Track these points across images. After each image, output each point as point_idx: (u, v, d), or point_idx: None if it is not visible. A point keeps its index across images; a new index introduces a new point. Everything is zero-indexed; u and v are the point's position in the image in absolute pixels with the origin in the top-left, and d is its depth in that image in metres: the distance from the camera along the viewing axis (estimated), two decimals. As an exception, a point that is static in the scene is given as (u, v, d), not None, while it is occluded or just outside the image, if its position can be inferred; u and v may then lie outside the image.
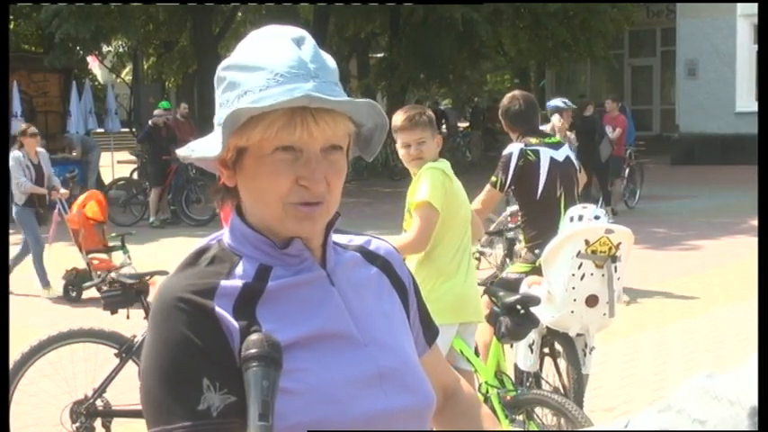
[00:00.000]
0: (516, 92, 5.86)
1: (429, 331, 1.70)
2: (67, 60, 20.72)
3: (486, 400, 4.39)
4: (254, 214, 1.49)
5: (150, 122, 15.99)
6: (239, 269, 1.47)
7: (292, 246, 1.48)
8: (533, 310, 4.28)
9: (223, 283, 1.44)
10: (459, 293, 4.40)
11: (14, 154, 10.49)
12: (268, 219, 1.47)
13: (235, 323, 1.40)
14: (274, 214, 1.46)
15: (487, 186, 5.32)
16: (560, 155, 5.44)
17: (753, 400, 0.98)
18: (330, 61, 1.49)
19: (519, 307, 4.17)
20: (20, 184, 10.41)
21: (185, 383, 1.36)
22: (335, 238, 1.59)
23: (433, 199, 4.27)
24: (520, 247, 5.71)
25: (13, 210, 10.84)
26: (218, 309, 1.41)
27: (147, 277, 5.14)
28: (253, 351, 1.26)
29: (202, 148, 1.47)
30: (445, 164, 4.46)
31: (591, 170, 14.97)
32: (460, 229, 4.42)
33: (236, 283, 1.44)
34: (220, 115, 1.45)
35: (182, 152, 1.51)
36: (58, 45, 20.03)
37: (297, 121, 1.40)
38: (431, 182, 4.30)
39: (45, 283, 10.35)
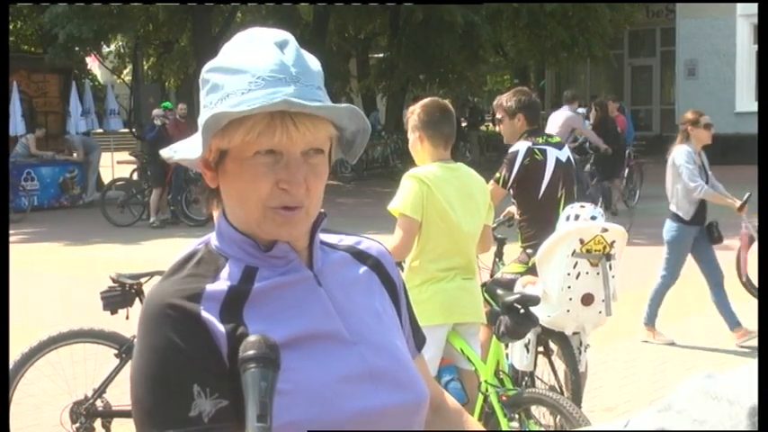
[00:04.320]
0: (524, 89, 5.83)
1: (417, 336, 1.71)
2: (67, 58, 20.72)
3: (486, 399, 4.39)
4: (236, 216, 1.50)
5: (159, 122, 16.01)
6: (225, 271, 1.48)
7: (276, 248, 1.49)
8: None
9: (209, 287, 1.45)
10: (450, 295, 4.41)
11: (684, 148, 7.61)
12: (248, 221, 1.48)
13: (221, 327, 1.41)
14: (254, 217, 1.47)
15: (491, 183, 5.30)
16: (563, 155, 5.43)
17: (752, 399, 0.98)
18: (313, 64, 1.50)
19: (518, 306, 4.17)
20: (695, 189, 7.43)
21: (175, 390, 1.37)
22: (326, 238, 1.60)
23: (405, 209, 4.34)
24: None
25: (670, 227, 7.52)
26: (204, 313, 1.42)
27: (147, 278, 5.14)
28: (251, 353, 1.26)
29: (184, 150, 1.49)
30: (433, 169, 4.44)
31: (606, 173, 15.02)
32: (445, 235, 4.41)
33: (222, 285, 1.45)
34: (203, 117, 1.46)
35: (165, 153, 1.53)
36: (60, 44, 20.04)
37: (277, 124, 1.42)
38: (404, 191, 4.38)
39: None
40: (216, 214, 1.58)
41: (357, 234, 1.70)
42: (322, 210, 1.54)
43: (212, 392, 1.36)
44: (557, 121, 13.76)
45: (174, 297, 1.42)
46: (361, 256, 1.63)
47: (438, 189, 4.38)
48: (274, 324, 1.43)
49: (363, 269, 1.61)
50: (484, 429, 1.82)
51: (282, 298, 1.48)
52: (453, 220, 4.40)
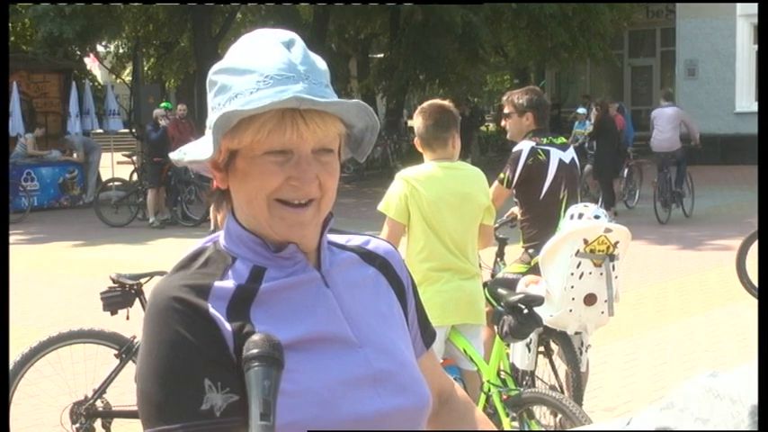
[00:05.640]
0: (536, 88, 5.82)
1: (427, 333, 1.70)
2: (52, 54, 20.73)
3: (489, 399, 4.40)
4: (246, 215, 1.50)
5: (164, 123, 15.98)
6: (233, 270, 1.47)
7: (286, 249, 1.48)
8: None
9: (217, 284, 1.44)
10: (447, 296, 4.43)
11: None
12: (258, 221, 1.48)
13: (228, 325, 1.41)
14: (263, 216, 1.46)
15: (495, 183, 5.29)
16: (567, 156, 5.41)
17: (754, 398, 0.98)
18: (320, 63, 1.49)
19: (522, 306, 4.17)
20: None
21: (186, 384, 1.36)
22: (334, 238, 1.59)
23: (389, 211, 4.44)
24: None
25: None
26: (212, 309, 1.41)
27: (147, 278, 5.14)
28: (254, 351, 1.26)
29: (194, 152, 1.48)
30: (425, 169, 4.50)
31: (607, 173, 15.11)
32: (432, 235, 4.44)
33: (230, 284, 1.45)
34: (211, 118, 1.46)
35: (174, 156, 1.52)
36: (40, 42, 20.13)
37: (287, 122, 1.41)
38: (389, 193, 4.49)
39: None
40: (220, 216, 1.58)
41: (365, 233, 1.69)
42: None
43: (223, 387, 1.35)
44: (667, 116, 14.80)
45: (182, 291, 1.42)
46: (368, 256, 1.62)
47: (426, 189, 4.42)
48: (281, 324, 1.43)
49: (371, 270, 1.60)
50: (491, 422, 1.82)
51: (290, 299, 1.47)
52: (441, 219, 4.44)
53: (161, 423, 1.36)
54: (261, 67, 1.43)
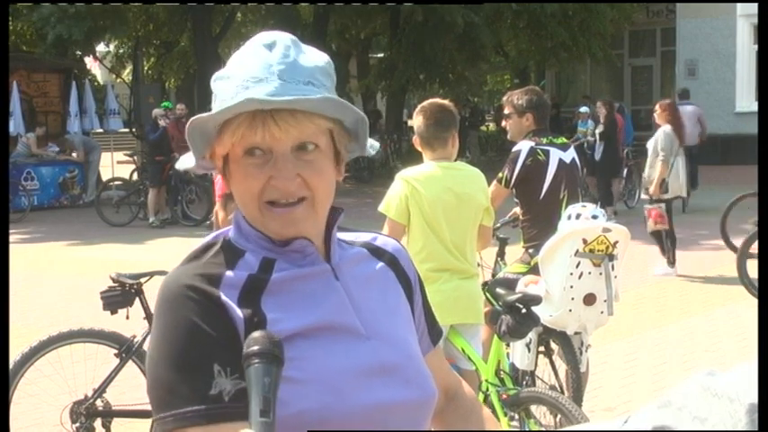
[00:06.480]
0: (536, 88, 5.82)
1: (434, 330, 1.73)
2: (58, 56, 20.74)
3: (487, 398, 4.40)
4: (247, 216, 1.53)
5: (163, 123, 15.95)
6: (243, 261, 1.50)
7: (294, 243, 1.50)
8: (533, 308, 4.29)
9: (228, 273, 1.47)
10: (446, 296, 4.43)
11: None
12: (255, 221, 1.51)
13: (240, 313, 1.43)
14: (255, 216, 1.50)
15: (494, 182, 5.30)
16: (567, 156, 5.41)
17: (752, 397, 0.98)
18: (307, 61, 1.49)
19: (520, 306, 4.18)
20: None
21: (196, 369, 1.38)
22: (341, 235, 1.61)
23: (389, 211, 4.46)
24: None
25: None
26: (224, 297, 1.44)
27: (147, 278, 5.14)
28: (255, 348, 1.27)
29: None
30: (425, 169, 4.50)
31: (607, 173, 15.19)
32: (432, 235, 4.45)
33: (241, 273, 1.48)
34: None
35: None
36: (50, 44, 20.16)
37: (258, 123, 1.44)
38: (389, 194, 4.51)
39: None
40: (222, 215, 1.61)
41: (372, 231, 1.72)
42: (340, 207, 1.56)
43: (233, 372, 1.37)
44: (689, 113, 15.70)
45: (194, 280, 1.45)
46: (377, 252, 1.65)
47: (426, 189, 4.43)
48: (291, 313, 1.46)
49: (379, 265, 1.63)
50: (497, 421, 1.84)
51: (300, 289, 1.50)
52: (440, 219, 4.44)
53: (171, 407, 1.37)
54: (241, 72, 1.47)
